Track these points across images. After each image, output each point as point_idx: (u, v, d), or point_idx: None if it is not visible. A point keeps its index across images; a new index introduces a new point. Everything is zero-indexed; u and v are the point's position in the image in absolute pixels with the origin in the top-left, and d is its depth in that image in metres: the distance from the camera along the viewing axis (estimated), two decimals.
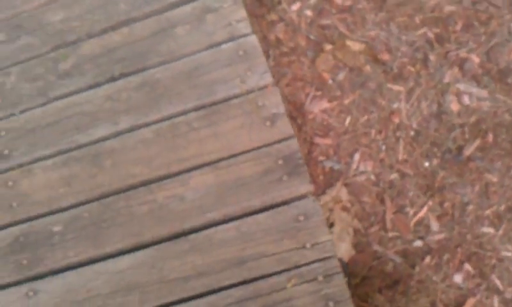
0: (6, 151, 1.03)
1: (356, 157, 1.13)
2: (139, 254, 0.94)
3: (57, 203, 0.98)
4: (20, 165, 1.02)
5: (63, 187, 0.99)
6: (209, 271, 0.93)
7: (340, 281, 0.90)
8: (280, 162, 0.98)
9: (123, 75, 1.07)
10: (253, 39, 1.06)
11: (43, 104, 1.07)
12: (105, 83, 1.07)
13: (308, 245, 0.91)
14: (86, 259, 0.95)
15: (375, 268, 1.06)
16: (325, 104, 1.18)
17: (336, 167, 1.12)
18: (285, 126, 1.00)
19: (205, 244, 0.94)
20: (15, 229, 0.98)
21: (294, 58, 1.22)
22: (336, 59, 1.21)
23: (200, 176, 0.98)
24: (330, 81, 1.19)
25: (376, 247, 1.06)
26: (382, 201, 1.09)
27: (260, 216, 0.95)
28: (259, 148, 0.99)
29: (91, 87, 1.07)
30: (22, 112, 1.07)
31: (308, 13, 1.27)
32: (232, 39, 1.07)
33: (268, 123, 1.00)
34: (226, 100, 1.02)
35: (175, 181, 0.98)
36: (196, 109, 1.02)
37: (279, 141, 0.99)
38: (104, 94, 1.05)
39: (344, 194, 1.10)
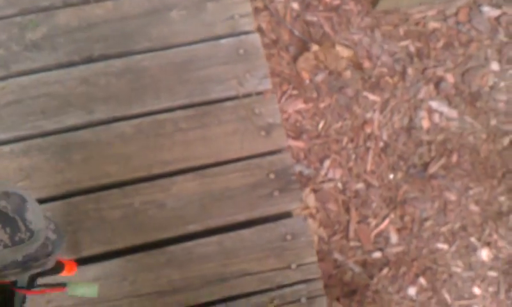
0: None
1: (326, 163, 1.11)
2: (109, 264, 0.84)
3: None
4: None
5: (21, 179, 0.84)
6: (186, 287, 0.85)
7: (323, 304, 0.88)
8: (272, 176, 0.91)
9: (104, 57, 0.92)
10: (256, 38, 0.96)
11: (3, 78, 0.89)
12: (80, 63, 0.91)
13: (293, 266, 0.87)
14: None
15: (334, 277, 1.07)
16: (300, 105, 1.13)
17: (306, 172, 1.09)
18: (281, 138, 0.93)
19: (184, 257, 0.86)
20: None
21: (274, 51, 1.15)
22: (318, 59, 1.15)
23: (184, 182, 0.88)
24: (308, 81, 1.14)
25: (336, 255, 1.07)
26: (347, 210, 1.10)
27: (245, 232, 0.88)
28: (250, 158, 0.91)
29: (63, 65, 0.91)
30: None
31: (295, 6, 1.19)
32: (232, 34, 0.95)
33: (263, 133, 0.92)
34: (220, 101, 0.92)
35: (155, 185, 0.87)
36: (185, 107, 0.91)
37: (272, 153, 0.92)
38: (78, 75, 0.90)
39: (311, 200, 1.09)
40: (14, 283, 0.57)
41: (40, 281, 0.62)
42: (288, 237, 0.89)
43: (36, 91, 0.88)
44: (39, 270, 0.55)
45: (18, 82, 0.88)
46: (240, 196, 0.89)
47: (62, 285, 0.53)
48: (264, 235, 0.89)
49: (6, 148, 0.85)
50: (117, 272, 0.84)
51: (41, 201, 0.84)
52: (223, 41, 0.94)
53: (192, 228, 0.87)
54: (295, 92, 1.13)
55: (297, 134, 1.11)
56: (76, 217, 0.84)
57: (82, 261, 0.83)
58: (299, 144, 1.11)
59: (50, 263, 0.57)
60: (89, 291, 0.55)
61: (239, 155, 0.91)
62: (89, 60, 0.91)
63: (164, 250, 0.86)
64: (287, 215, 0.92)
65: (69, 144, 0.86)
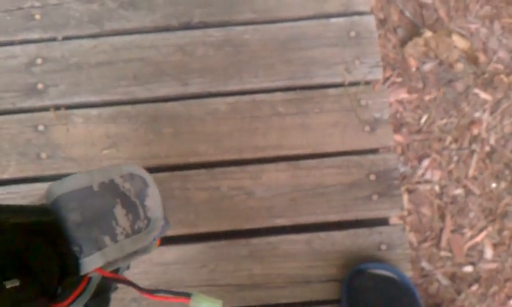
0: (41, 86, 0.80)
1: (425, 162, 1.00)
2: (189, 248, 0.78)
3: (97, 165, 0.79)
4: (57, 108, 0.79)
5: (107, 147, 0.79)
6: (267, 284, 0.78)
7: None
8: (372, 177, 0.81)
9: (203, 25, 0.83)
10: (371, 20, 0.85)
11: (95, 36, 0.82)
12: (178, 29, 0.83)
13: None
14: None
15: (419, 287, 0.98)
16: (403, 94, 1.01)
17: (402, 169, 0.99)
18: (387, 137, 0.82)
19: (268, 252, 0.79)
20: (41, 187, 0.78)
21: (381, 32, 1.03)
22: (428, 46, 1.03)
23: (275, 172, 0.80)
24: (414, 70, 1.03)
25: (424, 264, 0.98)
26: (442, 217, 0.99)
27: (337, 234, 0.80)
28: (350, 154, 0.82)
29: (159, 29, 0.83)
30: (65, 38, 0.82)
31: None
32: (345, 13, 0.85)
33: (367, 128, 0.82)
34: (324, 87, 0.82)
35: (245, 171, 0.80)
36: (285, 89, 0.82)
37: (375, 152, 0.82)
38: (175, 42, 0.82)
39: (404, 200, 0.99)
40: (116, 271, 0.51)
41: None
42: (383, 247, 0.80)
43: (129, 54, 0.81)
44: (143, 255, 0.49)
45: (110, 42, 0.81)
46: (334, 194, 0.80)
47: (187, 295, 0.47)
48: (357, 240, 0.80)
49: (94, 112, 0.79)
50: (197, 258, 0.78)
51: None
52: (333, 20, 0.84)
53: (280, 222, 0.79)
54: (399, 79, 1.02)
55: (397, 127, 1.00)
56: (160, 194, 0.78)
57: (163, 241, 0.78)
58: (397, 137, 1.00)
59: (152, 249, 0.51)
60: None
61: (338, 150, 0.81)
62: (188, 26, 0.83)
63: (248, 241, 0.79)
64: (383, 222, 0.82)
65: (159, 116, 0.80)
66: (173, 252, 0.78)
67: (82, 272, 0.40)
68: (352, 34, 0.84)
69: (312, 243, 0.79)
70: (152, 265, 0.77)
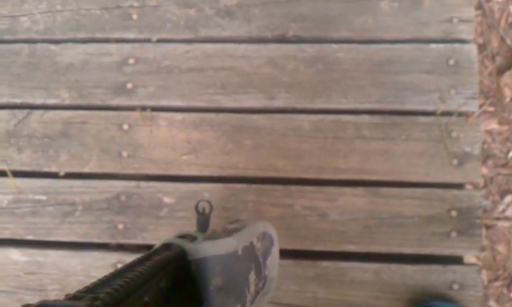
0: (130, 85, 0.81)
1: (508, 198, 0.94)
2: None
3: (175, 169, 0.79)
4: (143, 108, 0.81)
5: (186, 152, 0.79)
6: None
7: None
8: (454, 213, 0.77)
9: (297, 39, 0.81)
10: (472, 50, 0.79)
11: (189, 41, 0.82)
12: (272, 41, 0.81)
13: None
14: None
15: None
16: (493, 125, 0.95)
17: (482, 203, 0.94)
18: (475, 173, 0.78)
19: (335, 277, 0.77)
20: (118, 184, 0.80)
21: (478, 58, 0.97)
22: None
23: (352, 196, 0.78)
24: (508, 100, 0.96)
25: (492, 303, 0.94)
26: None
27: (409, 268, 0.77)
28: (434, 187, 0.78)
29: (253, 40, 0.82)
30: (160, 41, 0.83)
31: None
32: (446, 40, 0.79)
33: (455, 162, 0.78)
34: (414, 114, 0.79)
35: (321, 191, 0.78)
36: (373, 113, 0.79)
37: (460, 187, 0.78)
38: (266, 55, 0.80)
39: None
40: None
41: None
42: (455, 287, 0.77)
43: (221, 62, 0.80)
44: None
45: (203, 49, 0.81)
46: (412, 226, 0.77)
47: None
48: (429, 277, 0.77)
49: (179, 116, 0.80)
50: None
51: (202, 180, 0.79)
52: (433, 46, 0.79)
53: (352, 248, 0.78)
54: (491, 109, 0.96)
55: (482, 158, 0.95)
56: (234, 205, 0.78)
57: None
58: (481, 169, 0.95)
59: None
60: None
61: (421, 180, 0.78)
62: (282, 39, 0.81)
63: (316, 264, 0.78)
64: (458, 260, 0.79)
65: (242, 127, 0.79)
66: None
67: None
68: (451, 62, 0.78)
69: (381, 273, 0.77)
70: None
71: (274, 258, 0.47)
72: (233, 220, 0.48)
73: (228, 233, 0.46)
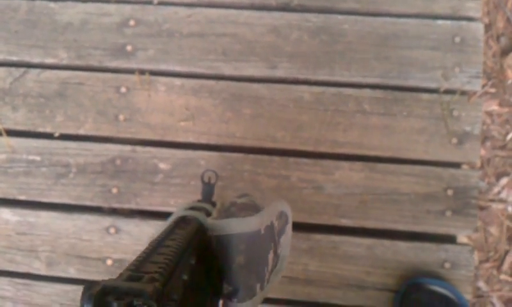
0: (129, 48, 0.80)
1: (503, 181, 0.95)
2: None
3: (172, 135, 0.79)
4: (142, 72, 0.79)
5: (184, 119, 0.78)
6: (321, 282, 0.77)
7: None
8: (450, 192, 0.77)
9: (302, 9, 0.79)
10: (479, 28, 0.78)
11: (191, 5, 0.80)
12: (275, 9, 0.80)
13: None
14: None
15: (472, 306, 0.95)
16: (494, 106, 0.95)
17: (479, 183, 0.94)
18: (474, 153, 0.78)
19: (328, 251, 0.77)
20: (113, 148, 0.79)
21: (484, 37, 0.96)
22: None
23: (349, 170, 0.78)
24: (510, 82, 0.95)
25: (481, 284, 0.95)
26: (509, 239, 0.94)
27: (402, 244, 0.77)
28: (432, 165, 0.78)
29: (256, 6, 0.80)
30: (161, 3, 0.81)
31: None
32: (453, 17, 0.78)
33: (454, 140, 0.77)
34: (417, 91, 0.78)
35: (318, 164, 0.78)
36: (375, 87, 0.78)
37: (458, 167, 0.78)
38: (270, 23, 0.79)
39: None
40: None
41: None
42: (447, 265, 0.77)
43: (223, 28, 0.79)
44: None
45: (205, 14, 0.79)
46: (407, 203, 0.77)
47: None
48: (421, 254, 0.77)
49: (178, 81, 0.79)
50: None
51: (198, 147, 0.79)
52: (440, 22, 0.78)
53: (345, 222, 0.78)
54: (492, 90, 0.95)
55: (481, 139, 0.95)
56: (229, 174, 0.78)
57: None
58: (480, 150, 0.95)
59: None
60: None
61: (419, 158, 0.78)
62: (286, 8, 0.79)
63: (309, 236, 0.78)
64: (451, 239, 0.79)
65: (241, 96, 0.78)
66: None
67: None
68: (457, 39, 0.77)
69: (374, 249, 0.77)
70: None
71: (287, 236, 0.47)
72: (242, 195, 0.48)
73: (238, 207, 0.46)
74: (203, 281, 0.35)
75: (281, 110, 0.78)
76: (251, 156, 0.78)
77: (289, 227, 0.47)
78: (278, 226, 0.45)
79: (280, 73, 0.78)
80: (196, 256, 0.32)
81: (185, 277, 0.28)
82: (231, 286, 0.39)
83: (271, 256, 0.42)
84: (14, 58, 0.82)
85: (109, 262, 0.79)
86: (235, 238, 0.38)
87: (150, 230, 0.78)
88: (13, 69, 0.82)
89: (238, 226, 0.39)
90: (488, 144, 0.95)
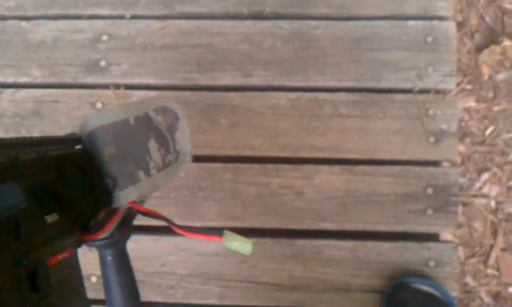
0: (103, 63, 0.80)
1: (484, 176, 0.96)
2: None
3: None
4: (117, 87, 0.79)
5: None
6: (307, 287, 0.77)
7: None
8: (429, 190, 0.78)
9: (274, 16, 0.80)
10: (451, 27, 0.79)
11: (164, 17, 0.80)
12: (248, 18, 0.80)
13: None
14: (168, 227, 0.78)
15: (461, 302, 0.96)
16: (471, 102, 0.96)
17: (459, 180, 0.95)
18: (451, 151, 0.78)
19: (312, 255, 0.77)
20: None
21: (457, 35, 0.97)
22: (505, 56, 0.96)
23: (329, 174, 0.78)
24: (486, 78, 0.96)
25: (469, 279, 0.96)
26: (494, 234, 0.96)
27: (384, 245, 0.77)
28: (410, 164, 0.78)
29: (229, 16, 0.80)
30: (133, 17, 0.81)
31: None
32: (424, 17, 0.79)
33: (431, 139, 0.78)
34: (391, 92, 0.78)
35: (297, 170, 0.78)
36: (350, 90, 0.79)
37: (437, 165, 0.78)
38: (243, 31, 0.79)
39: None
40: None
41: None
42: (431, 263, 0.77)
43: (196, 39, 0.79)
44: (164, 186, 0.50)
45: (178, 25, 0.79)
46: (387, 204, 0.78)
47: (219, 234, 0.47)
48: (404, 254, 0.77)
49: (153, 94, 0.79)
50: (238, 253, 0.77)
51: None
52: (411, 23, 0.79)
53: (328, 226, 0.78)
54: (469, 87, 0.96)
55: (460, 136, 0.95)
56: (209, 184, 0.78)
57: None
58: (459, 147, 0.96)
59: (174, 179, 0.52)
60: (243, 247, 0.49)
61: (397, 158, 0.78)
62: (258, 16, 0.80)
63: (293, 242, 0.78)
64: (434, 237, 0.79)
65: (218, 105, 0.78)
66: (214, 244, 0.77)
67: (116, 205, 0.41)
68: (429, 39, 0.78)
69: (357, 251, 0.78)
70: (192, 255, 0.77)
71: (183, 133, 0.48)
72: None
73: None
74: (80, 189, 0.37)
75: (258, 117, 0.78)
76: (231, 165, 0.78)
77: (182, 124, 0.48)
78: (165, 121, 0.46)
79: (255, 81, 0.79)
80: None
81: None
82: (110, 178, 0.40)
83: (152, 145, 0.43)
84: None
85: (94, 279, 0.78)
86: (99, 132, 0.40)
87: (132, 245, 0.78)
88: None
89: (98, 119, 0.40)
90: (468, 140, 0.96)
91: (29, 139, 0.33)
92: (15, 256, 0.26)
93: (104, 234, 0.45)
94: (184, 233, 0.46)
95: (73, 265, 0.34)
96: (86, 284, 0.77)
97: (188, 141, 0.49)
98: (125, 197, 0.40)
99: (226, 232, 0.48)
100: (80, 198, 0.36)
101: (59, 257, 0.31)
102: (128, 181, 0.40)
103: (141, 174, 0.42)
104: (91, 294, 0.77)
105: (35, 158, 0.32)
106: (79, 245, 0.40)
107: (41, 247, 0.29)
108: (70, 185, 0.36)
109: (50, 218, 0.32)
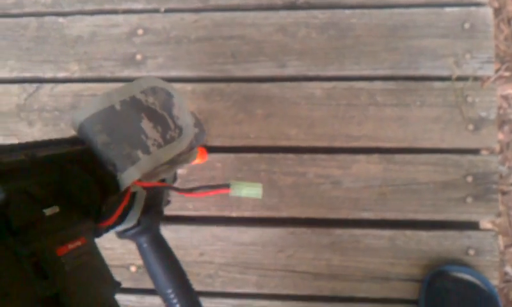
0: (139, 57, 0.80)
1: None
2: (269, 232, 0.78)
3: None
4: None
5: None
6: (344, 276, 0.77)
7: None
8: (469, 179, 0.76)
9: (308, 6, 0.79)
10: (488, 13, 0.77)
11: (197, 10, 0.80)
12: (282, 8, 0.80)
13: None
14: (206, 217, 0.79)
15: (500, 291, 0.94)
16: (509, 90, 0.94)
17: (498, 168, 0.93)
18: (491, 138, 0.77)
19: (350, 245, 0.77)
20: None
21: (494, 21, 0.95)
22: None
23: (366, 163, 0.77)
24: None
25: (508, 269, 0.94)
26: None
27: (423, 234, 0.77)
28: (449, 152, 0.77)
29: (262, 7, 0.80)
30: (168, 11, 0.81)
31: None
32: (461, 3, 0.77)
33: (470, 127, 0.76)
34: (429, 79, 0.77)
35: (334, 159, 0.78)
36: (387, 79, 0.78)
37: (476, 153, 0.77)
38: (277, 22, 0.78)
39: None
40: (162, 181, 0.53)
41: None
42: (471, 252, 0.76)
43: (230, 31, 0.79)
44: (184, 164, 0.51)
45: (212, 17, 0.79)
46: (426, 192, 0.77)
47: (226, 186, 0.48)
48: (444, 242, 0.76)
49: (189, 87, 0.79)
50: (276, 242, 0.78)
51: (213, 150, 0.79)
52: (448, 9, 0.77)
53: (366, 215, 0.77)
54: (507, 74, 0.94)
55: (499, 123, 0.93)
56: (246, 175, 0.78)
57: (244, 221, 0.79)
58: (498, 135, 0.94)
59: (193, 157, 0.53)
60: (252, 191, 0.50)
61: (436, 146, 0.77)
62: (292, 6, 0.79)
63: (330, 231, 0.78)
64: (474, 226, 0.78)
65: (253, 96, 0.78)
66: (252, 234, 0.78)
67: (122, 187, 0.41)
68: (467, 25, 0.76)
69: (396, 240, 0.77)
70: (230, 244, 0.78)
71: (180, 108, 0.49)
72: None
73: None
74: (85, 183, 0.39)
75: (293, 107, 0.78)
76: (266, 155, 0.78)
77: (177, 99, 0.49)
78: (157, 100, 0.47)
79: (289, 71, 0.78)
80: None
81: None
82: (110, 165, 0.41)
83: (146, 124, 0.44)
84: (27, 74, 0.83)
85: (133, 268, 0.80)
86: (86, 123, 0.41)
87: (170, 235, 0.79)
88: (26, 85, 0.83)
89: (83, 113, 0.41)
90: (506, 128, 0.94)
91: (24, 144, 0.37)
92: (14, 248, 0.28)
93: (124, 220, 0.46)
94: (191, 195, 0.48)
95: (91, 252, 0.35)
96: (125, 273, 0.79)
97: (188, 115, 0.50)
98: (127, 178, 0.41)
99: (233, 182, 0.48)
100: (86, 189, 0.38)
101: (70, 246, 0.32)
102: (127, 162, 0.41)
103: (139, 153, 0.42)
104: (130, 283, 0.79)
105: (23, 161, 0.34)
106: (98, 235, 0.42)
107: (42, 238, 0.30)
108: (73, 179, 0.37)
109: (50, 211, 0.33)
